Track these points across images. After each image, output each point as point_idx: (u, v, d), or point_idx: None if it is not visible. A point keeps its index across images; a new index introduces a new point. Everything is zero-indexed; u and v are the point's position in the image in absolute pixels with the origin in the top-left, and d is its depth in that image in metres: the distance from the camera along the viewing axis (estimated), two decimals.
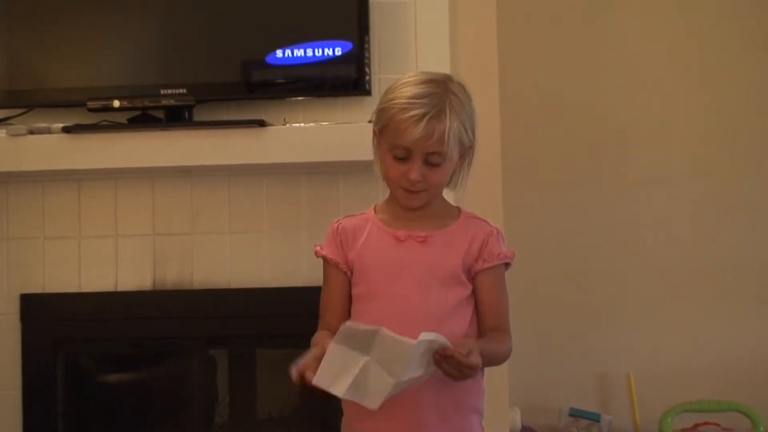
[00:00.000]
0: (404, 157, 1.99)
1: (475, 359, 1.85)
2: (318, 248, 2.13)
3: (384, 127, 2.02)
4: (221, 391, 3.15)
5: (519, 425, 3.34)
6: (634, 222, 3.66)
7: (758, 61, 3.68)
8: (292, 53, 2.82)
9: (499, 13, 3.00)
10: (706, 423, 3.42)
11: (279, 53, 2.82)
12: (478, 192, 2.81)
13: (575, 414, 3.50)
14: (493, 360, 2.02)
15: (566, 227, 3.66)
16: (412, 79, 2.03)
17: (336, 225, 2.13)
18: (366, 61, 2.82)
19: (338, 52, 2.81)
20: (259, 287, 2.92)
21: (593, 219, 3.66)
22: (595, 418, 3.48)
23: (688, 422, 3.42)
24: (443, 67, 2.81)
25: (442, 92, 1.99)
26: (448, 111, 1.96)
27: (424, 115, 1.94)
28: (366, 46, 2.82)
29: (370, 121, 2.12)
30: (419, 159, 1.98)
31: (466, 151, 2.08)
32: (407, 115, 1.95)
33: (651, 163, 3.67)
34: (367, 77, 2.81)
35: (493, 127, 2.91)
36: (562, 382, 3.62)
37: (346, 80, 2.83)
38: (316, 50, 2.82)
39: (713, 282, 3.62)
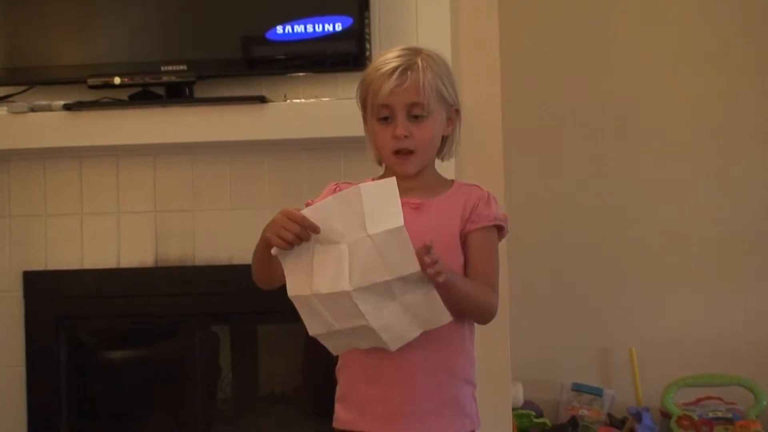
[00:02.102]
0: (387, 116, 2.02)
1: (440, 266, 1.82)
2: (310, 201, 2.11)
3: (365, 97, 2.06)
4: (223, 367, 3.15)
5: (521, 400, 3.35)
6: (634, 198, 3.66)
7: (760, 50, 3.68)
8: (292, 29, 2.82)
9: None
10: (708, 397, 3.43)
11: (279, 29, 2.82)
12: (480, 171, 2.84)
13: (578, 389, 3.52)
14: (466, 292, 1.97)
15: (567, 204, 3.66)
16: (384, 52, 2.08)
17: (335, 185, 2.13)
18: (366, 36, 2.81)
19: (338, 27, 2.80)
20: None
21: (594, 196, 3.66)
22: (597, 392, 3.49)
23: (690, 397, 3.44)
24: (444, 44, 2.83)
25: (413, 53, 2.04)
26: (420, 62, 2.01)
27: (396, 68, 1.99)
28: (366, 21, 2.81)
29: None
30: (401, 113, 2.00)
31: (453, 114, 2.09)
32: (381, 71, 2.00)
33: (651, 140, 3.67)
34: (368, 53, 2.80)
35: (495, 107, 2.91)
36: (564, 357, 3.63)
37: (347, 56, 2.82)
38: (317, 26, 2.81)
39: (714, 257, 3.63)
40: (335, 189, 2.11)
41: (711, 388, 3.44)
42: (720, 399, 3.42)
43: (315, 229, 1.85)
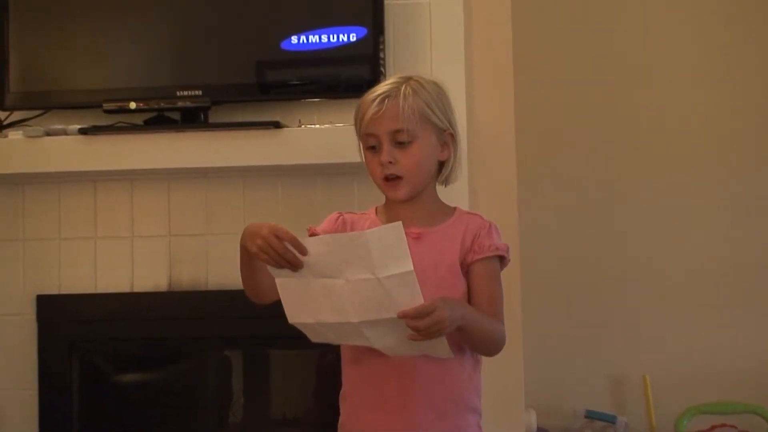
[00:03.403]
0: (375, 145, 2.05)
1: (440, 313, 1.81)
2: (313, 228, 2.12)
3: (356, 126, 2.10)
4: (235, 392, 3.15)
5: (534, 427, 3.33)
6: (647, 226, 3.66)
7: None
8: (307, 39, 2.82)
9: (514, 14, 2.99)
10: (723, 425, 3.41)
11: (294, 39, 2.82)
12: (493, 195, 2.84)
13: (591, 416, 3.50)
14: (481, 331, 1.98)
15: (581, 231, 3.66)
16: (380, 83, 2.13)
17: (337, 215, 2.14)
18: (381, 61, 2.82)
19: (353, 38, 2.81)
20: None
21: (608, 222, 3.66)
22: (610, 419, 3.48)
23: (704, 424, 3.42)
24: (458, 68, 2.85)
25: (402, 81, 2.07)
26: (403, 89, 2.04)
27: (378, 96, 2.03)
28: (381, 47, 2.82)
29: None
30: (386, 140, 2.03)
31: (447, 139, 2.10)
32: (368, 100, 2.05)
33: (665, 168, 3.67)
34: (382, 78, 2.80)
35: (507, 128, 2.91)
36: (577, 384, 3.62)
37: (361, 81, 2.82)
38: (331, 36, 2.82)
39: (728, 283, 3.62)
40: (338, 219, 2.12)
41: (725, 415, 3.42)
42: (734, 427, 3.40)
43: (302, 251, 1.83)
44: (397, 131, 2.02)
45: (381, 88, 2.06)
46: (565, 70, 3.69)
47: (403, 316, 1.79)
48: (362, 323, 1.84)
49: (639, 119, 3.68)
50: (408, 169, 2.04)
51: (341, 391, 2.11)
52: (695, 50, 3.71)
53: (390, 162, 2.03)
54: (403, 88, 2.04)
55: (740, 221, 3.64)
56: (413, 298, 1.80)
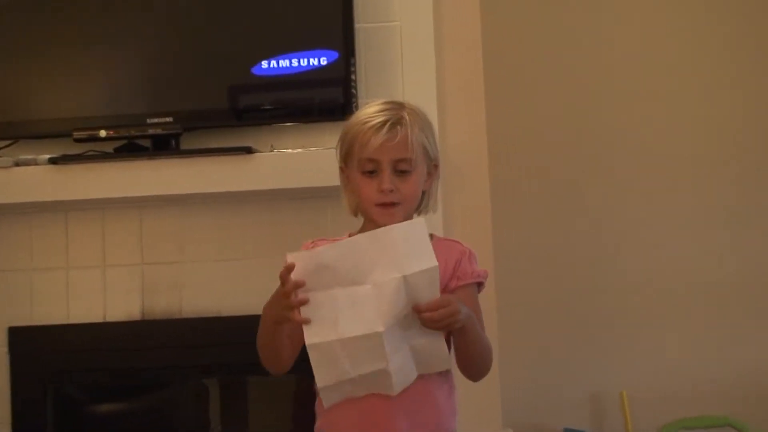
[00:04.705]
0: (373, 170, 2.03)
1: (455, 306, 1.88)
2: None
3: (348, 149, 2.07)
4: (213, 420, 3.13)
5: None
6: (624, 241, 3.66)
7: (760, 68, 3.70)
8: (278, 64, 2.82)
9: (485, 35, 3.00)
10: None
11: (264, 64, 2.82)
12: (466, 215, 2.85)
13: None
14: (478, 337, 2.01)
15: (557, 247, 3.66)
16: (368, 105, 2.11)
17: (311, 244, 2.12)
18: (353, 84, 2.82)
19: (324, 61, 2.81)
20: (249, 314, 2.88)
21: (583, 238, 3.66)
22: None
23: None
24: (430, 90, 2.86)
25: (398, 107, 2.07)
26: (407, 117, 2.03)
27: (385, 122, 2.01)
28: (352, 69, 2.82)
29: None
30: (388, 167, 2.02)
31: (433, 170, 2.11)
32: (369, 125, 2.02)
33: (642, 181, 3.67)
34: (354, 101, 2.80)
35: (480, 150, 2.92)
36: (555, 402, 3.61)
37: (334, 105, 2.82)
38: (302, 60, 2.81)
39: (704, 299, 3.63)
40: (311, 247, 2.10)
41: (703, 430, 3.43)
42: None
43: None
44: (402, 160, 2.02)
45: (377, 114, 2.04)
46: (539, 87, 3.70)
47: (423, 309, 1.85)
48: (386, 332, 1.85)
49: (617, 135, 3.69)
50: (406, 198, 2.05)
51: (316, 426, 2.09)
52: (677, 53, 3.71)
53: (391, 190, 2.02)
54: (406, 116, 2.03)
55: (716, 237, 3.64)
56: (433, 294, 1.87)
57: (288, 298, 1.86)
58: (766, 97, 3.69)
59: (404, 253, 1.85)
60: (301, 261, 1.88)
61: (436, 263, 1.86)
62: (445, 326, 1.89)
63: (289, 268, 1.85)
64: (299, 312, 1.87)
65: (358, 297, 1.86)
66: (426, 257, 1.86)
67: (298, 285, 1.85)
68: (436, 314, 1.85)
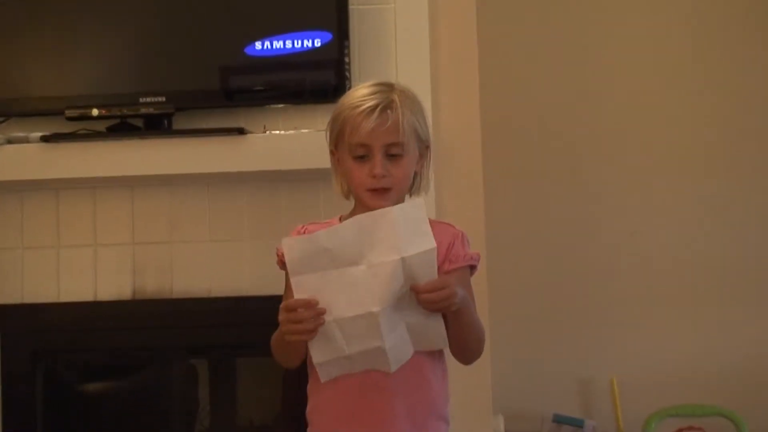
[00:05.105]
0: (364, 155, 2.01)
1: (453, 288, 1.88)
2: (280, 250, 2.10)
3: (339, 133, 2.05)
4: (202, 400, 3.13)
5: None
6: (615, 228, 3.66)
7: (746, 62, 3.70)
8: (271, 45, 2.81)
9: (480, 17, 2.99)
10: (690, 428, 3.42)
11: (258, 45, 2.81)
12: (459, 197, 2.84)
13: (559, 420, 3.50)
14: (472, 318, 2.01)
15: (549, 232, 3.66)
16: (358, 87, 2.09)
17: (302, 229, 2.12)
18: (346, 66, 2.81)
19: (318, 43, 2.80)
20: (239, 296, 2.90)
21: (576, 223, 3.66)
22: (578, 423, 3.47)
23: (672, 427, 3.43)
24: (423, 73, 2.85)
25: (388, 89, 2.04)
26: (398, 100, 2.01)
27: (376, 106, 1.99)
28: (345, 51, 2.81)
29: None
30: (379, 152, 2.00)
31: (424, 152, 2.10)
32: (359, 110, 2.00)
33: (631, 168, 3.67)
34: (348, 84, 2.79)
35: (473, 133, 2.92)
36: (545, 389, 3.62)
37: (326, 87, 2.82)
38: (296, 41, 2.80)
39: (694, 285, 3.63)
40: (303, 232, 2.10)
41: (692, 418, 3.43)
42: (701, 429, 3.41)
43: (321, 310, 1.87)
44: (393, 144, 2.00)
45: (367, 97, 2.01)
46: (533, 70, 3.70)
47: (421, 290, 1.86)
48: (381, 311, 1.86)
49: (608, 119, 3.69)
50: (398, 182, 2.03)
51: (308, 407, 2.09)
52: (663, 46, 3.71)
53: (384, 176, 2.01)
54: (397, 99, 2.01)
55: (705, 224, 3.65)
56: (431, 275, 1.87)
57: (296, 316, 1.88)
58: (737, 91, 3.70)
59: (402, 235, 1.85)
60: (298, 245, 1.89)
61: (434, 245, 1.87)
62: (442, 308, 1.90)
63: (288, 307, 1.88)
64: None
65: (353, 278, 1.87)
66: (425, 239, 1.87)
67: (311, 305, 1.87)
68: (435, 295, 1.86)
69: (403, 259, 1.85)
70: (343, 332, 1.89)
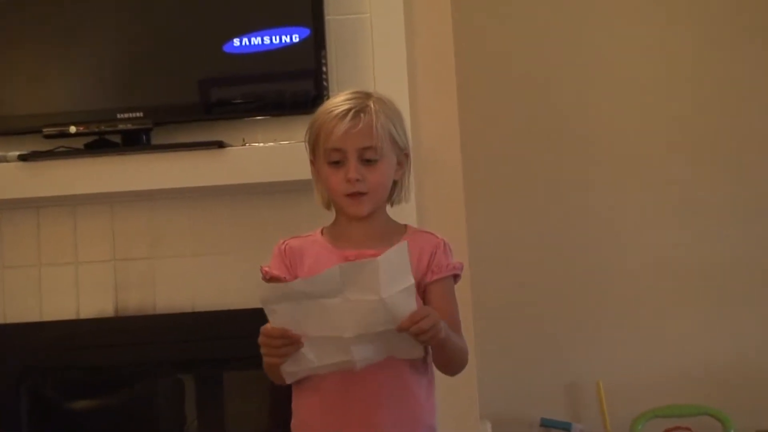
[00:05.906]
0: (339, 160, 2.02)
1: (435, 317, 1.86)
2: (266, 269, 2.10)
3: (315, 140, 2.06)
4: (189, 415, 3.11)
5: None
6: (596, 232, 3.67)
7: (735, 61, 3.71)
8: (250, 41, 2.80)
9: (456, 25, 3.00)
10: (677, 428, 3.42)
11: (236, 41, 2.80)
12: (440, 205, 2.84)
13: (546, 424, 3.51)
14: (454, 350, 2.00)
15: (532, 237, 3.66)
16: (335, 96, 2.10)
17: (282, 245, 2.12)
18: (324, 77, 2.80)
19: (296, 38, 2.79)
20: (223, 309, 2.89)
21: (558, 229, 3.66)
22: (566, 427, 3.48)
23: (659, 427, 3.43)
24: (401, 83, 2.84)
25: (364, 96, 2.05)
26: (373, 105, 2.02)
27: (349, 110, 2.00)
28: (323, 61, 2.81)
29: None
30: (354, 156, 2.00)
31: (403, 158, 2.10)
32: (333, 114, 2.01)
33: (615, 173, 3.68)
34: (326, 95, 2.79)
35: (453, 140, 2.92)
36: (532, 393, 3.62)
37: (305, 98, 2.81)
38: (274, 38, 2.80)
39: (679, 287, 3.63)
40: (283, 249, 2.09)
41: (680, 418, 3.44)
42: (688, 429, 3.42)
43: (297, 339, 1.85)
44: (367, 148, 2.00)
45: (342, 103, 2.02)
46: (511, 76, 3.70)
47: (406, 326, 1.82)
48: (357, 338, 1.84)
49: (592, 123, 3.69)
50: (373, 187, 2.03)
51: (293, 422, 2.08)
52: (652, 43, 3.71)
53: (358, 179, 2.01)
54: (372, 104, 2.02)
55: (689, 226, 3.65)
56: (409, 308, 1.84)
57: (273, 341, 1.87)
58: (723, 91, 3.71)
59: (385, 280, 1.81)
60: (272, 292, 1.88)
61: (413, 281, 1.83)
62: (431, 336, 1.86)
63: (266, 333, 1.87)
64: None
65: (327, 307, 1.83)
66: (405, 277, 1.84)
67: (288, 334, 1.85)
68: (423, 323, 1.82)
69: (382, 299, 1.81)
70: (312, 349, 1.88)
